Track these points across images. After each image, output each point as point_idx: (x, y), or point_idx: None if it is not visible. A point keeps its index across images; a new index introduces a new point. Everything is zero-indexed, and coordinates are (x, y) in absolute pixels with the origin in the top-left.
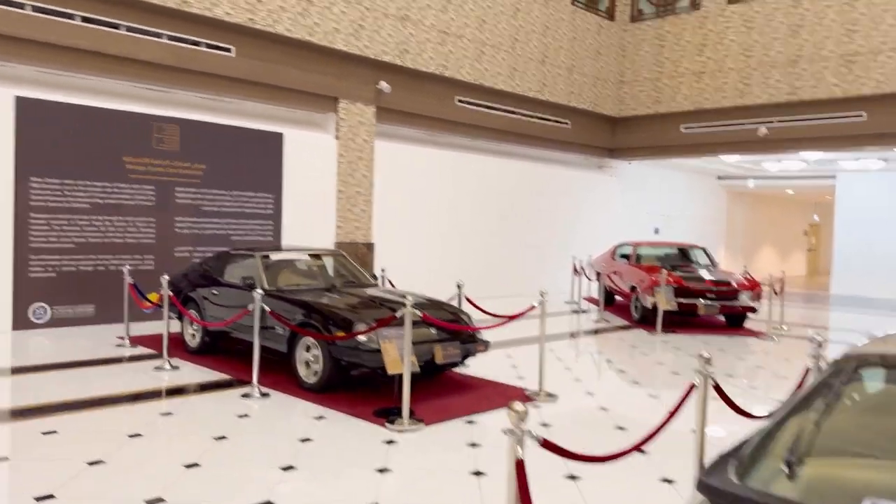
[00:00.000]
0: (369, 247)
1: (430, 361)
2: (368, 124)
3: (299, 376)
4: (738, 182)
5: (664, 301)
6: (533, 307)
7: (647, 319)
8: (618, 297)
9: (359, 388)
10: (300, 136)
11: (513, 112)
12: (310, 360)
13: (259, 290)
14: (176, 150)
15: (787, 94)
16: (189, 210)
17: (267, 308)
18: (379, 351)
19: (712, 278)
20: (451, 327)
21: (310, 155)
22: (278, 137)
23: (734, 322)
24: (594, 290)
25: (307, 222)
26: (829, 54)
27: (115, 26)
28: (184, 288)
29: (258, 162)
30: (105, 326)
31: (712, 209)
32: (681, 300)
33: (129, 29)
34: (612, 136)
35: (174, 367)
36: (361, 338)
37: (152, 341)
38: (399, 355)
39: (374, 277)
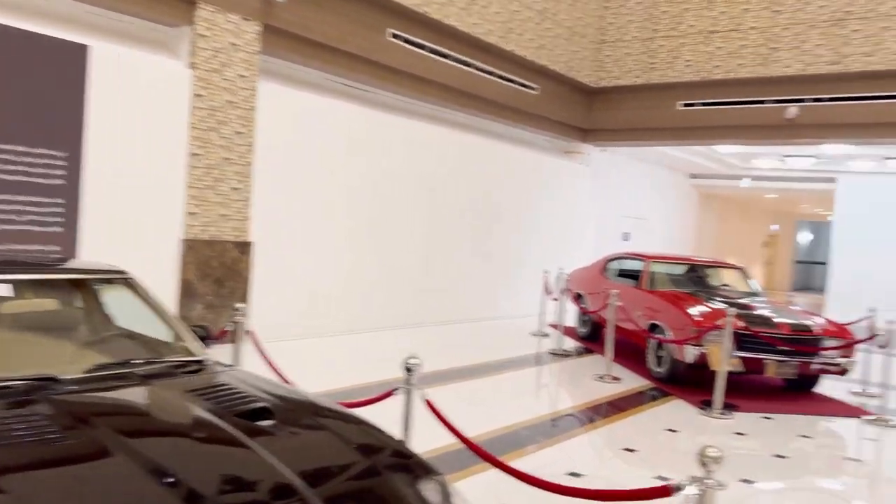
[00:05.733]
0: (244, 248)
1: None
2: (249, 51)
3: None
4: (714, 182)
5: (724, 358)
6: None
7: (678, 378)
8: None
9: None
10: (124, 57)
11: (466, 63)
12: None
13: None
14: None
15: (830, 65)
16: None
17: None
18: None
19: (785, 320)
20: None
21: (141, 89)
22: (79, 53)
23: (799, 386)
24: (571, 315)
25: (133, 205)
26: (892, 10)
27: None
28: None
29: (40, 93)
30: None
31: (683, 213)
32: (739, 354)
33: None
34: (587, 112)
35: None
36: None
37: None
38: None
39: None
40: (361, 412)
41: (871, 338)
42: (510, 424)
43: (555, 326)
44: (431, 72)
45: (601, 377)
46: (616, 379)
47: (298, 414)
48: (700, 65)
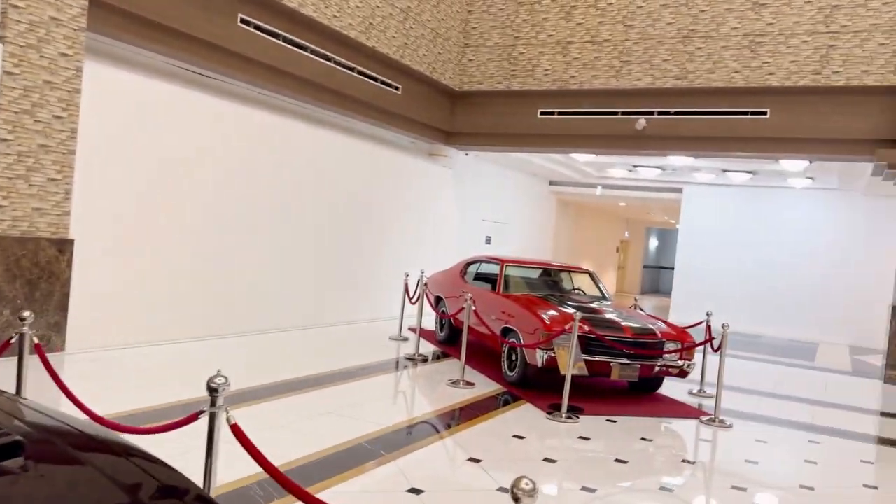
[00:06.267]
0: (62, 247)
1: None
2: (73, 27)
3: None
4: (571, 189)
5: (571, 362)
6: None
7: (529, 382)
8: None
9: None
10: None
11: (326, 57)
12: None
13: None
14: None
15: (675, 79)
16: None
17: None
18: None
19: (630, 324)
20: None
21: None
22: None
23: (644, 388)
24: (431, 318)
25: None
26: (731, 31)
27: None
28: None
29: None
30: None
31: (541, 219)
32: (586, 357)
33: None
34: (450, 115)
35: None
36: None
37: None
38: None
39: None
40: (163, 439)
41: (707, 340)
42: (352, 438)
43: (414, 330)
44: (287, 63)
45: (455, 382)
46: (470, 384)
47: (60, 448)
48: (557, 74)
